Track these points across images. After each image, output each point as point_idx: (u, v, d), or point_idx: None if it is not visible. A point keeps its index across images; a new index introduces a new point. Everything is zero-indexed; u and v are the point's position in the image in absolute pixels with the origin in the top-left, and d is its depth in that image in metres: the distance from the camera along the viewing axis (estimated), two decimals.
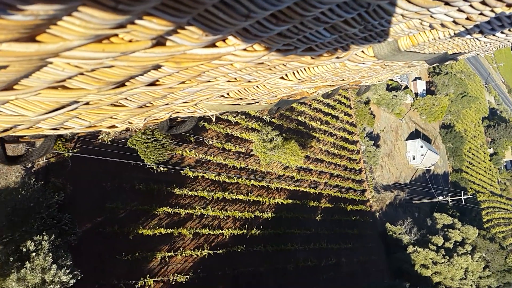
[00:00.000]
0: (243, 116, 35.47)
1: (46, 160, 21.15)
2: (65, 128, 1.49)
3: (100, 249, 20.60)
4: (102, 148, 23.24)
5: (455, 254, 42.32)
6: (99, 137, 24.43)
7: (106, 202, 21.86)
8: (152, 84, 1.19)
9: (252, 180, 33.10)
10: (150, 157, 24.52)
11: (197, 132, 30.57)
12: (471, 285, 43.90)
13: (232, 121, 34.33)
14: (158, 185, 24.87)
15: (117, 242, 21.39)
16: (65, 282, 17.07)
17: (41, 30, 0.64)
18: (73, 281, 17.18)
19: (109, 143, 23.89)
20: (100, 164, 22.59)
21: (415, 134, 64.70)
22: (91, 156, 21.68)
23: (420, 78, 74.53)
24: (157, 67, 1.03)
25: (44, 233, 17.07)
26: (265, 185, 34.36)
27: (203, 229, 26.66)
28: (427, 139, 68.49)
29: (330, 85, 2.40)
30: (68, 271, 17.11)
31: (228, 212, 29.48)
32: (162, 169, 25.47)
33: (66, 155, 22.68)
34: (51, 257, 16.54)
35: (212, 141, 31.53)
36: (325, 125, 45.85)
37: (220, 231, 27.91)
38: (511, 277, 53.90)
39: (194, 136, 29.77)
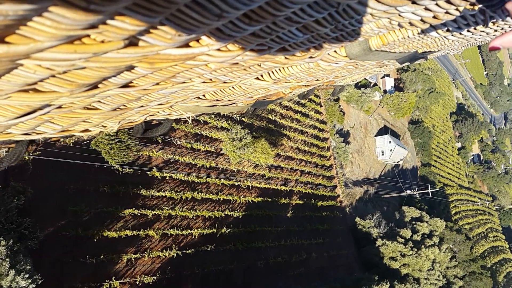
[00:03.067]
0: (213, 116, 35.51)
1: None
2: (37, 133, 1.45)
3: (63, 252, 20.26)
4: (65, 150, 22.84)
5: (423, 246, 43.67)
6: (61, 139, 24.02)
7: (69, 205, 21.48)
8: (126, 85, 1.17)
9: (222, 179, 33.16)
10: (114, 159, 24.26)
11: (165, 132, 30.43)
12: (438, 276, 45.42)
13: (201, 121, 34.29)
14: (123, 187, 24.61)
15: (81, 245, 21.08)
16: (24, 287, 16.77)
17: (10, 31, 0.62)
18: (32, 285, 16.86)
19: (71, 145, 23.48)
20: (62, 166, 22.20)
21: (384, 130, 66.26)
22: (53, 159, 21.29)
23: (388, 76, 76.32)
24: (130, 68, 1.03)
25: (1, 238, 16.68)
26: (236, 184, 34.49)
27: (171, 230, 26.56)
28: (395, 135, 70.26)
29: (305, 85, 2.42)
30: (27, 276, 16.79)
31: (198, 211, 29.45)
32: (127, 170, 25.22)
33: (27, 158, 22.20)
34: (8, 262, 16.19)
35: (181, 141, 31.42)
36: (296, 123, 46.38)
37: (189, 231, 27.86)
38: (476, 266, 56.06)
39: (161, 136, 29.63)
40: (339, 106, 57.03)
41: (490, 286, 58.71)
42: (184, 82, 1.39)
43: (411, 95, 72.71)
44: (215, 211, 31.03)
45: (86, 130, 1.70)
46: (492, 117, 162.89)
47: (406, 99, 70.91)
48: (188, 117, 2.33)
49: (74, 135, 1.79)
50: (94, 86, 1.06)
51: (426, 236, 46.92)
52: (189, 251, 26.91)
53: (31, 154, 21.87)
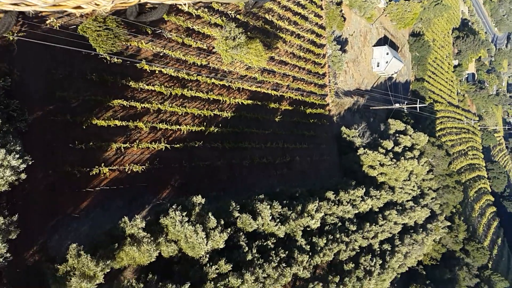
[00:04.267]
0: (206, 10, 33.64)
1: None
2: (27, 5, 1.37)
3: (52, 137, 20.63)
4: (51, 34, 21.83)
5: (403, 158, 45.54)
6: (48, 22, 22.80)
7: (56, 90, 21.28)
8: None
9: (213, 79, 32.71)
10: (102, 46, 23.42)
11: (155, 23, 29.00)
12: (413, 186, 48.27)
13: (194, 14, 32.56)
14: (112, 77, 24.21)
15: (70, 131, 21.40)
16: (15, 167, 17.35)
17: None
18: (23, 165, 17.46)
19: (58, 28, 22.40)
20: (48, 50, 21.46)
21: (383, 41, 64.34)
22: (38, 42, 20.45)
23: None
24: None
25: None
26: (226, 85, 34.15)
27: (161, 124, 26.92)
28: (394, 47, 68.48)
29: None
30: (17, 156, 17.29)
31: (187, 109, 29.56)
32: (116, 60, 24.55)
33: (11, 38, 21.24)
34: None
35: (171, 35, 30.13)
36: (293, 25, 44.47)
37: (178, 126, 28.28)
38: (451, 180, 59.42)
39: (151, 27, 28.32)
40: (341, 10, 54.30)
41: (460, 199, 63.11)
42: None
43: (417, 5, 69.20)
44: (205, 109, 31.19)
45: (79, 7, 1.60)
46: (495, 37, 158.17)
47: (411, 9, 67.68)
48: (185, 4, 2.24)
49: (65, 11, 1.68)
50: None
51: (407, 148, 48.69)
52: (178, 145, 27.65)
53: (15, 34, 20.92)
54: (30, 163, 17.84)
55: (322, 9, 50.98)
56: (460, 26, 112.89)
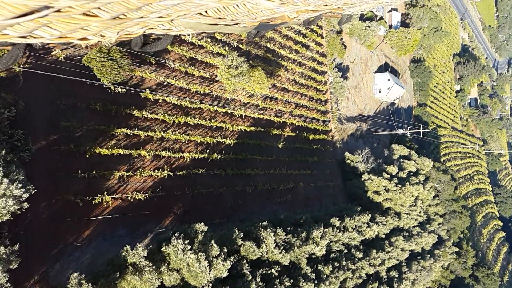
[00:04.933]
0: (209, 40, 34.45)
1: None
2: (35, 37, 1.40)
3: (56, 166, 20.78)
4: (56, 65, 22.40)
5: (408, 183, 45.17)
6: (53, 53, 23.44)
7: (60, 120, 21.61)
8: None
9: (215, 106, 33.11)
10: (106, 77, 23.92)
11: (159, 53, 29.68)
12: (420, 212, 47.63)
13: (197, 44, 33.35)
14: (116, 106, 24.59)
15: (73, 160, 21.57)
16: (18, 196, 17.40)
17: None
18: (26, 195, 17.52)
19: (63, 59, 22.99)
20: (53, 81, 21.94)
21: (384, 67, 65.16)
22: (44, 73, 20.95)
23: (396, 10, 73.31)
24: None
25: None
26: (229, 112, 34.53)
27: (164, 152, 27.08)
28: (395, 73, 69.27)
29: (313, 10, 2.29)
30: (20, 185, 17.38)
31: (190, 136, 29.80)
32: (120, 90, 25.02)
33: (17, 70, 21.82)
34: (1, 171, 16.65)
35: (175, 64, 30.78)
36: (295, 54, 45.30)
37: (181, 154, 28.43)
38: (457, 205, 58.61)
39: (155, 57, 28.96)
40: (341, 39, 55.37)
41: (468, 224, 62.03)
42: None
43: (416, 32, 70.46)
44: (208, 137, 31.42)
45: (84, 38, 1.64)
46: (496, 62, 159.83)
47: (411, 36, 68.84)
48: (188, 34, 2.28)
49: (72, 44, 1.74)
50: None
51: (412, 174, 48.36)
52: (181, 173, 27.69)
53: (21, 66, 21.48)
54: (32, 193, 17.91)
55: (322, 37, 52.01)
56: (461, 51, 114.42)
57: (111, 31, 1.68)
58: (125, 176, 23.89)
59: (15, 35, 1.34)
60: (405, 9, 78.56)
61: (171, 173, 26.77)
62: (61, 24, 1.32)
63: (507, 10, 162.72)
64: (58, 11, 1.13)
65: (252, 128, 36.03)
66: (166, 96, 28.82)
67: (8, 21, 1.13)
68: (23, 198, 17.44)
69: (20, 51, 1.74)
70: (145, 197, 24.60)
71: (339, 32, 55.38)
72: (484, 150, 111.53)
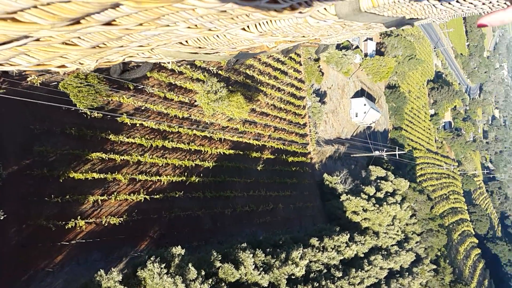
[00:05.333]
0: (188, 66, 35.11)
1: None
2: (11, 65, 1.40)
3: (28, 191, 20.51)
4: (31, 91, 22.47)
5: (385, 203, 45.87)
6: (28, 79, 23.54)
7: (34, 145, 21.49)
8: (109, 23, 1.12)
9: (194, 130, 33.41)
10: (82, 102, 24.07)
11: (137, 79, 30.05)
12: (397, 231, 48.16)
13: (176, 71, 33.90)
14: (91, 131, 24.63)
15: (46, 185, 21.34)
16: None
17: None
18: None
19: (39, 85, 23.10)
20: (28, 106, 21.92)
21: (360, 93, 67.15)
22: (18, 98, 20.99)
23: (371, 39, 76.18)
24: (115, 6, 0.98)
25: None
26: (208, 136, 34.83)
27: (140, 175, 27.01)
28: (371, 98, 71.36)
29: (291, 41, 2.36)
30: None
31: (168, 160, 29.85)
32: (96, 114, 25.13)
33: None
34: None
35: (154, 90, 31.17)
36: (273, 79, 46.41)
37: (158, 177, 28.38)
38: (434, 224, 59.56)
39: (133, 83, 29.29)
40: (319, 66, 57.11)
41: (445, 242, 62.95)
42: (168, 26, 1.34)
43: (391, 60, 73.23)
44: (186, 160, 31.52)
45: (63, 66, 1.63)
46: (468, 87, 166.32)
47: (386, 63, 71.50)
48: (168, 62, 2.27)
49: (49, 71, 1.80)
50: (77, 21, 1.02)
51: (389, 194, 49.17)
52: (157, 196, 27.56)
53: None
54: (1, 218, 17.63)
55: (300, 64, 53.55)
56: (435, 78, 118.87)
57: (90, 59, 1.65)
58: (99, 200, 23.68)
59: None
60: (380, 38, 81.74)
61: (147, 197, 26.63)
62: (39, 52, 1.30)
63: (477, 40, 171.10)
64: (37, 40, 1.14)
65: (231, 151, 36.33)
66: (144, 121, 29.02)
67: None
68: None
69: None
70: (120, 221, 24.33)
71: (317, 60, 57.16)
72: (459, 170, 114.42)
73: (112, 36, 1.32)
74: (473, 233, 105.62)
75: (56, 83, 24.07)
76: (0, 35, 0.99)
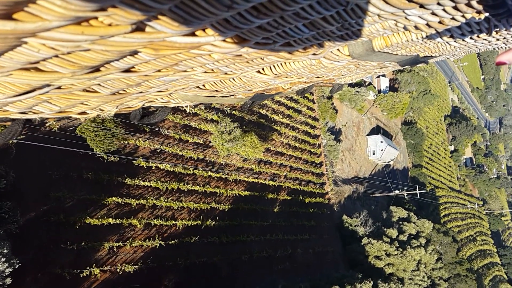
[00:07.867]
0: (203, 107, 35.44)
1: None
2: (34, 113, 1.44)
3: (44, 238, 20.22)
4: (49, 136, 22.71)
5: (409, 246, 43.95)
6: (47, 124, 23.90)
7: (51, 190, 21.42)
8: (128, 70, 1.16)
9: (209, 172, 33.14)
10: (99, 146, 24.18)
11: (154, 122, 30.25)
12: (423, 276, 45.75)
13: (191, 112, 34.18)
14: (108, 175, 24.55)
15: (62, 231, 21.04)
16: (0, 271, 16.74)
17: (19, 8, 0.61)
18: (9, 269, 16.83)
19: (56, 130, 23.36)
20: (46, 152, 22.08)
21: (376, 130, 66.43)
22: (37, 144, 21.20)
23: (384, 76, 76.40)
24: (134, 53, 1.01)
25: None
26: (223, 177, 34.50)
27: (155, 220, 26.56)
28: (388, 135, 70.49)
29: (305, 82, 2.39)
30: (3, 259, 16.77)
31: (183, 203, 29.44)
32: (113, 158, 25.15)
33: (11, 142, 22.10)
34: None
35: (169, 132, 31.34)
36: (287, 118, 46.41)
37: (174, 222, 27.88)
38: (462, 268, 56.53)
39: (149, 126, 29.54)
40: (332, 103, 57.11)
41: None
42: (186, 71, 1.38)
43: (405, 96, 72.93)
44: (201, 203, 31.06)
45: (84, 113, 1.68)
46: (487, 122, 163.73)
47: (400, 99, 71.14)
48: (186, 106, 2.33)
49: (70, 117, 1.75)
50: (96, 69, 1.05)
51: (412, 236, 47.19)
52: (173, 242, 26.94)
53: (15, 138, 21.75)
54: (17, 267, 17.24)
55: (314, 102, 53.66)
56: (452, 113, 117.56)
57: (111, 105, 1.70)
58: (114, 247, 23.20)
59: (15, 111, 1.37)
60: (393, 74, 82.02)
61: (162, 243, 26.02)
62: (61, 99, 1.34)
63: (492, 73, 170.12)
64: (59, 88, 1.16)
65: (247, 193, 35.77)
66: (160, 163, 28.94)
67: (10, 99, 1.15)
68: (6, 273, 16.74)
69: (20, 126, 1.76)
70: (135, 269, 23.67)
71: (330, 98, 57.26)
72: (484, 210, 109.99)
73: (132, 82, 1.36)
74: (506, 278, 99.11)
75: (73, 127, 24.37)
76: (23, 84, 1.03)
